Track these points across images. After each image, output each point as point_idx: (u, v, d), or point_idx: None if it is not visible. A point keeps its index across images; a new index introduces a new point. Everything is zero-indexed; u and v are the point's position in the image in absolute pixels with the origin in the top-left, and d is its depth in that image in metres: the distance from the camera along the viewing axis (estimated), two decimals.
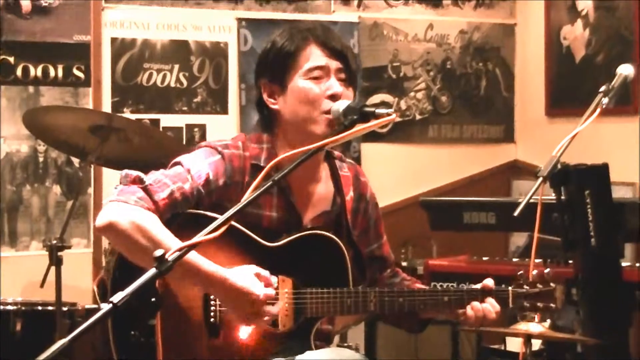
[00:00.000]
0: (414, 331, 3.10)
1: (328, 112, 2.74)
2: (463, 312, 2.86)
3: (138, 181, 2.63)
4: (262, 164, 2.77)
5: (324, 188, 2.89)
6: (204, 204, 2.70)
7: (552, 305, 2.90)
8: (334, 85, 2.77)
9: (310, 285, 2.72)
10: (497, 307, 2.86)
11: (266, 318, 2.61)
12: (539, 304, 2.90)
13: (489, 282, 2.89)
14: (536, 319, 3.03)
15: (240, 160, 2.77)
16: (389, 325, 3.37)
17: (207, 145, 2.81)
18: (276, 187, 2.58)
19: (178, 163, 2.73)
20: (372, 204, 3.02)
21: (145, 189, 2.61)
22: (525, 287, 2.90)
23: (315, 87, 2.76)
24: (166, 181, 2.65)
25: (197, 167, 2.71)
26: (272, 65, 2.81)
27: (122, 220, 2.53)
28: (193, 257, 2.50)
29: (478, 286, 2.89)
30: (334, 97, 2.75)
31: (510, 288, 2.89)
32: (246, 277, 2.56)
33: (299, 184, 2.81)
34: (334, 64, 2.79)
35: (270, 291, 2.59)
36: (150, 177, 2.65)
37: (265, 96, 2.83)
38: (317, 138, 2.69)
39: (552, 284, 2.90)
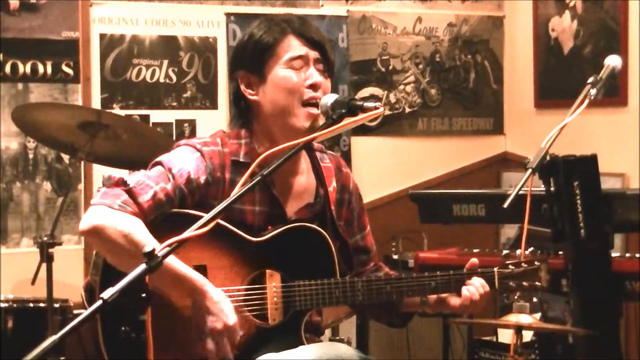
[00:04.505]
0: (395, 325, 3.09)
1: (307, 102, 2.75)
2: (449, 296, 2.86)
3: (121, 183, 2.62)
4: (241, 160, 2.77)
5: (306, 180, 2.88)
6: (187, 203, 2.69)
7: (538, 283, 2.92)
8: (313, 74, 2.77)
9: (298, 278, 2.73)
10: (487, 287, 2.85)
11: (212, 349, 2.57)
12: (524, 283, 2.92)
13: (473, 260, 2.90)
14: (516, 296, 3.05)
15: (220, 157, 2.76)
16: (372, 320, 3.37)
17: (186, 143, 2.79)
18: None
19: (158, 163, 2.72)
20: (356, 195, 3.01)
21: (129, 192, 2.60)
22: (510, 267, 2.91)
23: (295, 76, 2.76)
24: (149, 182, 2.64)
25: (177, 166, 2.70)
26: (251, 57, 2.80)
27: (107, 225, 2.53)
28: (175, 262, 2.51)
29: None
30: (314, 87, 2.76)
31: (495, 269, 2.90)
32: (225, 302, 2.55)
33: (280, 178, 2.81)
34: (313, 54, 2.79)
35: (237, 334, 2.56)
36: (133, 179, 2.64)
37: (242, 87, 2.82)
38: (296, 131, 2.71)
39: (536, 263, 2.92)
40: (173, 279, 2.52)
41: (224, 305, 2.55)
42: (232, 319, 2.55)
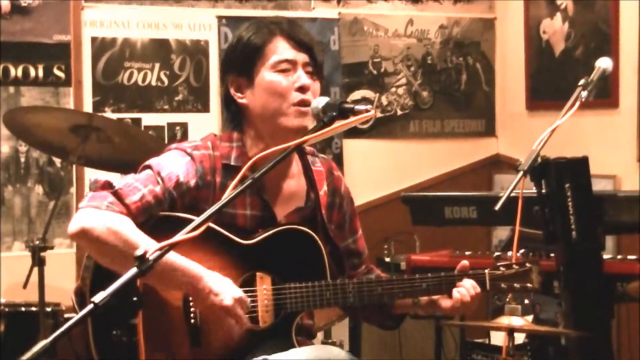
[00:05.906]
0: (387, 327, 3.09)
1: (297, 104, 2.75)
2: (441, 297, 2.86)
3: (107, 186, 2.61)
4: (232, 163, 2.77)
5: (297, 184, 2.88)
6: (177, 207, 2.69)
7: (529, 285, 2.92)
8: (302, 77, 2.77)
9: (289, 281, 2.73)
10: (478, 288, 2.85)
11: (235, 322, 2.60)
12: (515, 285, 2.92)
13: (464, 262, 2.90)
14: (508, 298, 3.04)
15: (211, 161, 2.76)
16: (364, 322, 3.36)
17: (176, 147, 2.79)
18: None
19: (148, 167, 2.72)
20: (347, 199, 3.01)
21: (116, 193, 2.59)
22: (501, 268, 2.91)
23: (284, 79, 2.76)
24: (137, 185, 2.64)
25: (167, 170, 2.70)
26: (240, 60, 2.80)
27: (95, 225, 2.52)
28: (169, 255, 2.50)
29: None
30: (302, 89, 2.75)
31: (486, 271, 2.90)
32: (221, 282, 2.56)
33: (272, 181, 2.81)
34: (301, 57, 2.79)
35: (243, 301, 2.57)
36: (121, 182, 2.64)
37: (232, 90, 2.82)
38: (287, 131, 2.71)
39: (527, 264, 2.92)
40: (166, 272, 2.49)
41: (223, 282, 2.55)
42: (236, 291, 2.55)
